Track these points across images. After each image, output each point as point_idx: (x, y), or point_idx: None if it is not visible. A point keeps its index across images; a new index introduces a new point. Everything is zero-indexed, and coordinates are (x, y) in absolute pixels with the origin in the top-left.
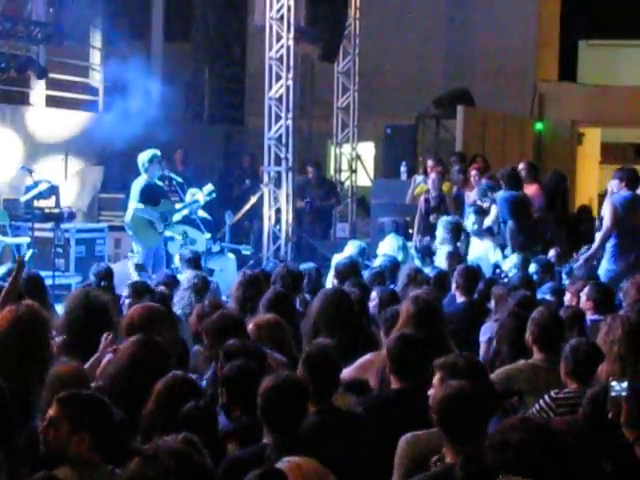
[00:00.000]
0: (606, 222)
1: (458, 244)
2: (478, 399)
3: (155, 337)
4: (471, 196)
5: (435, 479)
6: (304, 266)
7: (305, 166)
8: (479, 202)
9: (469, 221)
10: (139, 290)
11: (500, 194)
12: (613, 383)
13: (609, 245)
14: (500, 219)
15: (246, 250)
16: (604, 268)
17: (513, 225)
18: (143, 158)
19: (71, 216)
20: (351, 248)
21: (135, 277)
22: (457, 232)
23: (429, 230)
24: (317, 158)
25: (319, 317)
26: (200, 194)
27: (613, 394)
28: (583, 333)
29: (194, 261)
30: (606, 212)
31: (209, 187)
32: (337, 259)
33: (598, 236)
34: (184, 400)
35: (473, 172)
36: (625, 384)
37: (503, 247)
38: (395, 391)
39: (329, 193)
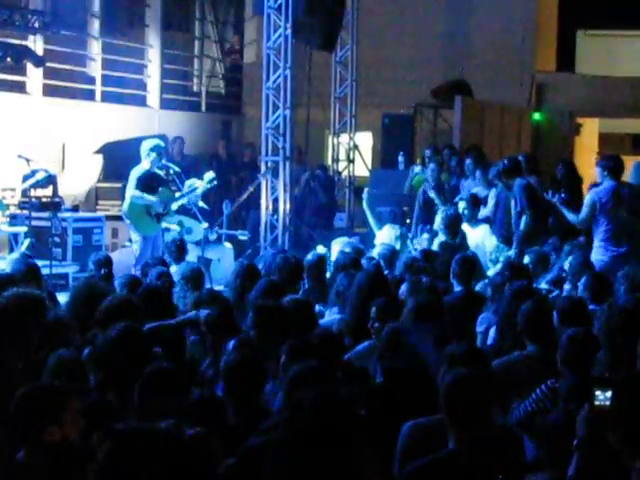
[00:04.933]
0: (582, 214)
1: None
2: (483, 385)
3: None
4: (466, 186)
5: (437, 464)
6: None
7: (315, 171)
8: (478, 189)
9: (460, 208)
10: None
11: (517, 182)
12: (597, 392)
13: (599, 237)
14: (517, 208)
15: (242, 235)
16: (594, 259)
17: (532, 214)
18: (146, 146)
19: (75, 209)
20: (337, 247)
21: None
22: (454, 224)
23: (428, 221)
24: (314, 148)
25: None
26: (199, 182)
27: (596, 403)
28: (585, 322)
29: (179, 251)
30: (586, 202)
31: (210, 174)
32: (335, 247)
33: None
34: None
35: (467, 161)
36: (609, 393)
37: (505, 238)
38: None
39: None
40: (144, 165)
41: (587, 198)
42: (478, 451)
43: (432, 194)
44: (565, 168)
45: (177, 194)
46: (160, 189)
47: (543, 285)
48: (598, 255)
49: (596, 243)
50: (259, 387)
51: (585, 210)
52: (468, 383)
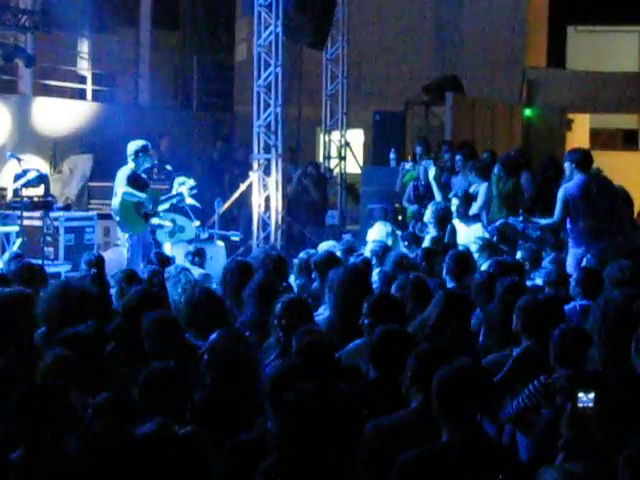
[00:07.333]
0: (556, 212)
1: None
2: (476, 379)
3: None
4: (456, 182)
5: (430, 455)
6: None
7: (307, 168)
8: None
9: (452, 206)
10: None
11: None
12: (580, 394)
13: (574, 232)
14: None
15: (235, 236)
16: (573, 252)
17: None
18: (132, 148)
19: (66, 208)
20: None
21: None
22: (444, 218)
23: (418, 217)
24: (306, 145)
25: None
26: (184, 187)
27: (580, 405)
28: (563, 319)
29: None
30: (558, 200)
31: (190, 182)
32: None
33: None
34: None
35: (457, 158)
36: (592, 395)
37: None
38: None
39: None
40: (130, 166)
41: (559, 195)
42: (471, 443)
43: (434, 186)
44: (556, 167)
45: (162, 197)
46: (147, 191)
47: (539, 281)
48: (576, 249)
49: (571, 238)
50: (251, 380)
51: (558, 207)
52: (461, 376)
